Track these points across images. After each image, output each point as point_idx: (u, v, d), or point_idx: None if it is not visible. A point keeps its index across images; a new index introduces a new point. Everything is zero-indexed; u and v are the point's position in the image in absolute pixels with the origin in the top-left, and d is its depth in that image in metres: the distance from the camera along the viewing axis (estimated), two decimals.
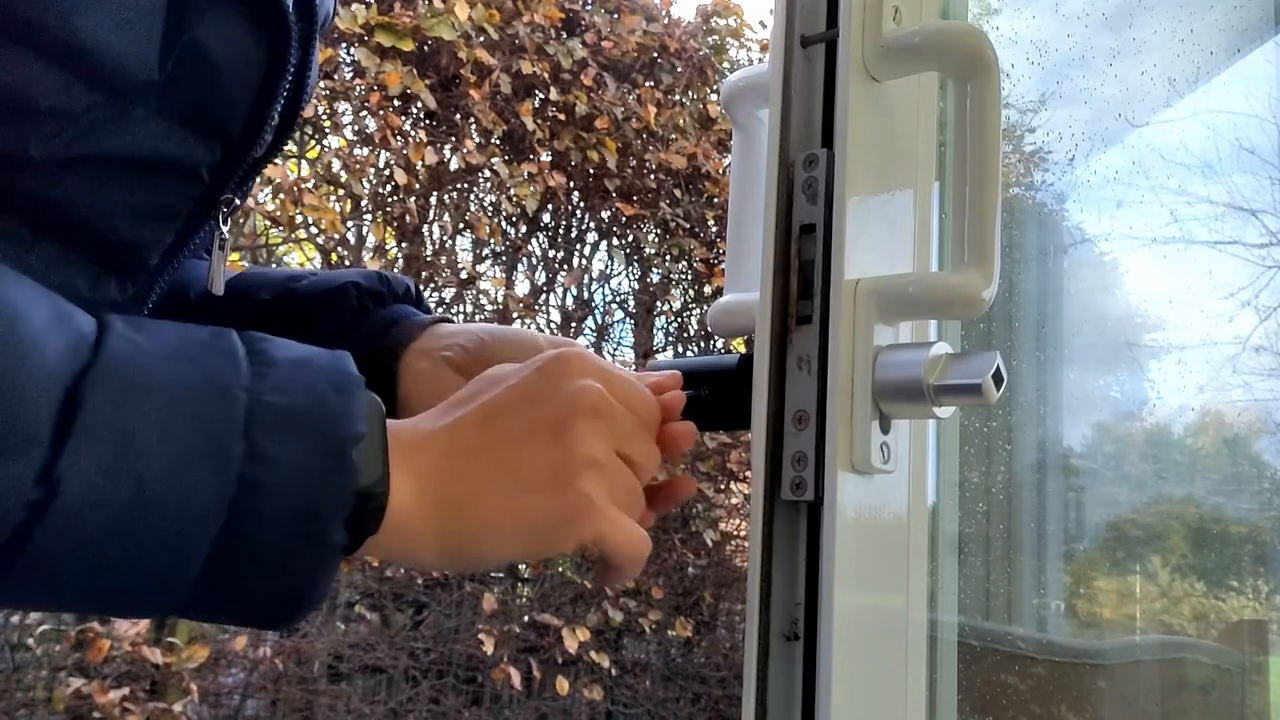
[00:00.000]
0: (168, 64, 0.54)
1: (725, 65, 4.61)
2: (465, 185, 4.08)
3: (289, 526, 0.46)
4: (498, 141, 4.04)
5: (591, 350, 0.72)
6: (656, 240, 4.54)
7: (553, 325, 4.38)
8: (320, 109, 3.62)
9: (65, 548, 0.42)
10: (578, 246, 4.49)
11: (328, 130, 3.75)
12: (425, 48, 3.76)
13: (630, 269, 4.61)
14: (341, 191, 3.71)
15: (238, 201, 0.64)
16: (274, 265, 3.75)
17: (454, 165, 3.96)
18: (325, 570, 0.48)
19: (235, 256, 3.49)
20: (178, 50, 0.54)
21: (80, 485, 0.42)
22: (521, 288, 4.32)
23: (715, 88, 4.49)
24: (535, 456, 0.53)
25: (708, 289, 4.51)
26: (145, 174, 0.57)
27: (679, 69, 4.40)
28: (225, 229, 0.65)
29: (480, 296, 4.15)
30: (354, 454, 0.47)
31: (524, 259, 4.33)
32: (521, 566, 4.01)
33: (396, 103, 3.69)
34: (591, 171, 4.18)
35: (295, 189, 3.37)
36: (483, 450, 0.53)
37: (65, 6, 0.49)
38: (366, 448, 0.48)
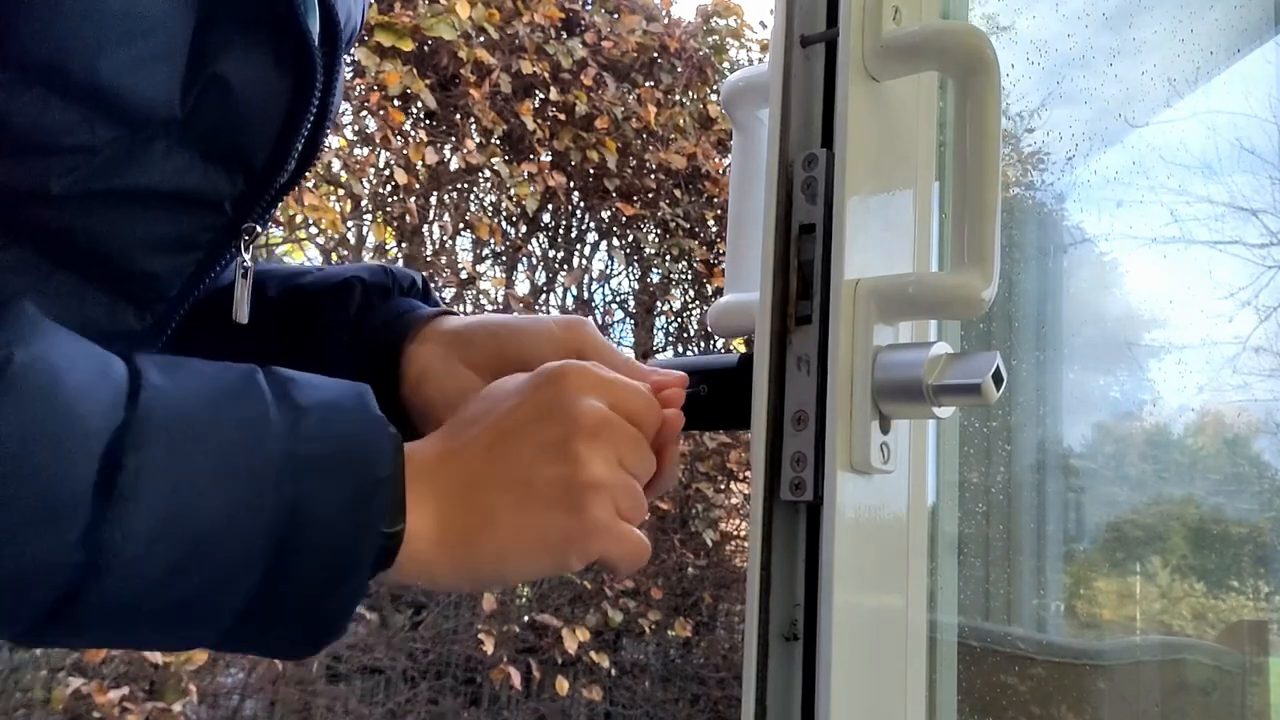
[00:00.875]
0: (189, 100, 0.53)
1: (725, 65, 4.60)
2: (465, 185, 4.08)
3: (321, 570, 0.48)
4: (498, 141, 4.04)
5: (599, 333, 0.72)
6: (656, 240, 4.54)
7: None
8: None
9: (107, 606, 0.44)
10: (578, 246, 4.49)
11: (328, 130, 3.74)
12: (425, 47, 3.75)
13: (630, 269, 4.62)
14: (341, 191, 3.71)
15: (259, 229, 0.64)
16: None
17: (454, 165, 3.95)
18: (352, 606, 0.50)
19: None
20: (200, 86, 0.54)
21: (122, 548, 0.43)
22: (521, 288, 4.32)
23: (715, 88, 4.49)
24: (543, 480, 0.55)
25: (708, 289, 4.51)
26: (166, 207, 0.57)
27: (679, 69, 4.40)
28: (247, 257, 0.64)
29: (480, 296, 4.15)
30: (381, 496, 0.49)
31: (524, 259, 4.33)
32: None
33: (396, 102, 3.68)
34: (591, 171, 4.18)
35: (295, 189, 3.36)
36: (492, 477, 0.55)
37: (87, 47, 0.48)
38: (390, 487, 0.50)
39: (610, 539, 0.55)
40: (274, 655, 0.52)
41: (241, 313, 0.67)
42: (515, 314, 0.87)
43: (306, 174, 0.67)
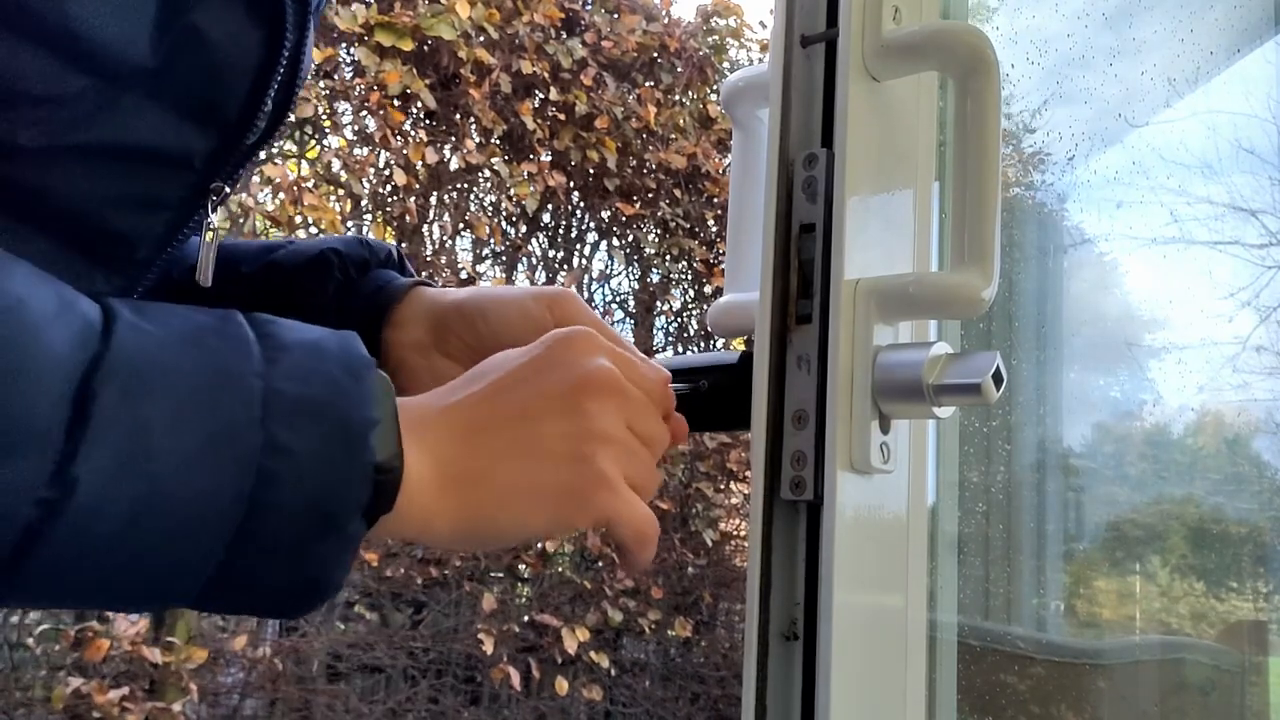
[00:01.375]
0: (161, 49, 0.52)
1: (725, 65, 4.61)
2: (465, 185, 4.08)
3: (307, 518, 0.45)
4: (498, 141, 4.04)
5: (586, 307, 0.72)
6: (656, 240, 4.54)
7: None
8: (320, 109, 3.62)
9: (76, 548, 0.41)
10: (578, 246, 4.49)
11: (328, 130, 3.75)
12: (425, 47, 3.76)
13: (630, 269, 4.62)
14: (341, 191, 3.71)
15: (228, 189, 0.62)
16: None
17: (454, 165, 3.96)
18: (343, 558, 0.47)
19: None
20: (172, 35, 0.53)
21: (95, 484, 0.40)
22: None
23: (715, 88, 4.49)
24: (550, 430, 0.53)
25: (708, 289, 4.51)
26: (136, 162, 0.56)
27: (679, 69, 4.40)
28: (215, 218, 0.63)
29: None
30: (371, 439, 0.46)
31: (524, 259, 4.33)
32: (521, 566, 4.01)
33: (396, 102, 3.69)
34: (591, 171, 4.18)
35: (295, 189, 3.37)
36: (496, 425, 0.53)
37: None
38: (381, 430, 0.47)
39: (617, 498, 0.53)
40: (262, 615, 0.49)
41: (206, 275, 0.65)
42: (493, 286, 0.86)
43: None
